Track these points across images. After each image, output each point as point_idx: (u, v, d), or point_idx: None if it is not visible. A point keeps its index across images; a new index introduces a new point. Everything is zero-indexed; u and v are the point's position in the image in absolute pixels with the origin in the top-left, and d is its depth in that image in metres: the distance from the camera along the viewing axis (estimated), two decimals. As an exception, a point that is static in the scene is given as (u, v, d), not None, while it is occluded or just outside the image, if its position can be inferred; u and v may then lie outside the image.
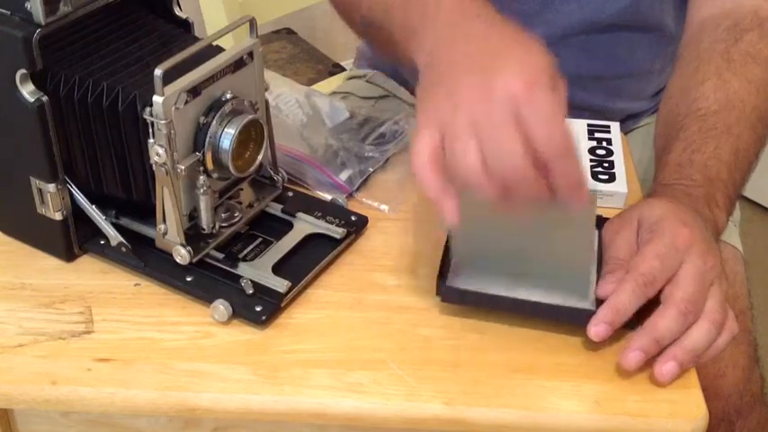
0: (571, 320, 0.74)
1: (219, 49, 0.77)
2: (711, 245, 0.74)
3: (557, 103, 0.63)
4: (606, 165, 0.91)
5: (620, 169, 0.91)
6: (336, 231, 0.82)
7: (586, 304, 0.74)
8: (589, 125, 0.97)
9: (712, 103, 0.85)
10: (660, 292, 0.71)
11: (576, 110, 1.11)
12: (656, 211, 0.75)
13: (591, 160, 0.92)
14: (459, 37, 0.69)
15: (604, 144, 0.93)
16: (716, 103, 0.85)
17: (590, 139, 0.95)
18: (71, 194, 0.78)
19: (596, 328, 0.71)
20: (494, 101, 0.62)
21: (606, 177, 0.90)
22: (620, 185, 0.89)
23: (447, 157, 0.64)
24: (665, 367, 0.70)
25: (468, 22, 0.70)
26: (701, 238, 0.73)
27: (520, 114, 0.62)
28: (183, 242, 0.76)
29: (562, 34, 1.06)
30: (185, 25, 0.84)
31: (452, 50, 0.69)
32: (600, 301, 0.73)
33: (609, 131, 0.96)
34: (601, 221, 0.83)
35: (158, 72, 0.69)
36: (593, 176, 0.89)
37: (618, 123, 0.97)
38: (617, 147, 0.94)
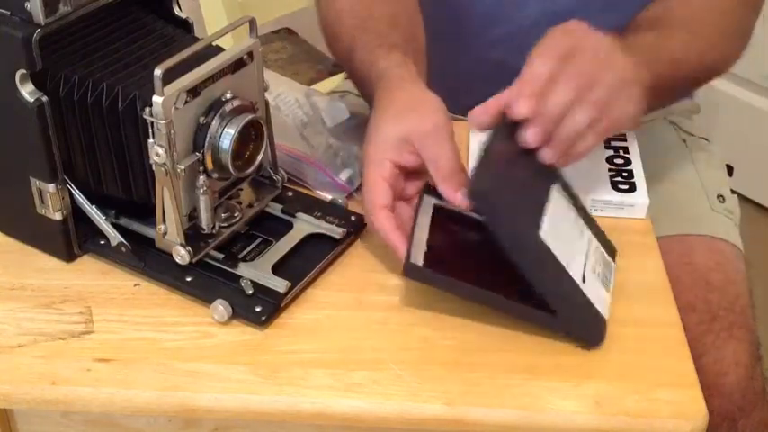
0: (530, 319, 0.74)
1: (219, 49, 0.77)
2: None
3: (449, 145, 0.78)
4: (625, 174, 0.89)
5: (639, 178, 0.89)
6: (336, 231, 0.82)
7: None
8: None
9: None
10: None
11: None
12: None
13: (609, 170, 0.90)
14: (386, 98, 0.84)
15: (621, 153, 0.92)
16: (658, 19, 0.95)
17: (606, 147, 0.92)
18: (71, 194, 0.78)
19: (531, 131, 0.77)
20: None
21: (626, 188, 0.88)
22: (641, 195, 0.87)
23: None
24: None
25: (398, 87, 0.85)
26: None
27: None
28: (183, 242, 0.76)
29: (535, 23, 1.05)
30: (185, 25, 0.84)
31: (383, 103, 0.84)
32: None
33: (625, 140, 0.94)
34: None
35: (158, 72, 0.69)
36: (613, 186, 0.88)
37: (632, 131, 0.94)
38: (634, 155, 0.92)
